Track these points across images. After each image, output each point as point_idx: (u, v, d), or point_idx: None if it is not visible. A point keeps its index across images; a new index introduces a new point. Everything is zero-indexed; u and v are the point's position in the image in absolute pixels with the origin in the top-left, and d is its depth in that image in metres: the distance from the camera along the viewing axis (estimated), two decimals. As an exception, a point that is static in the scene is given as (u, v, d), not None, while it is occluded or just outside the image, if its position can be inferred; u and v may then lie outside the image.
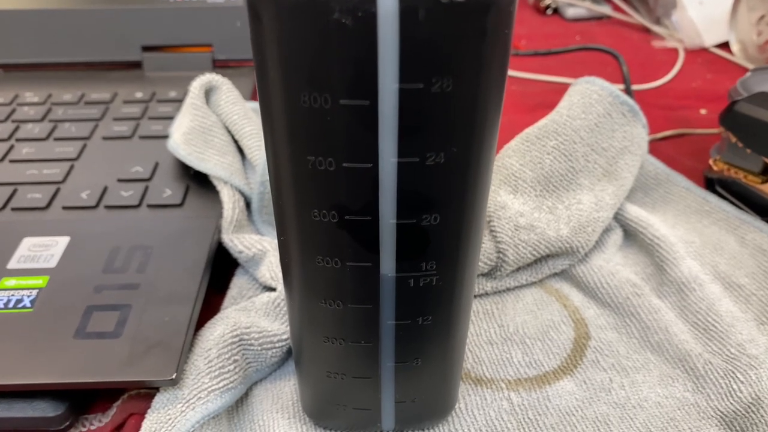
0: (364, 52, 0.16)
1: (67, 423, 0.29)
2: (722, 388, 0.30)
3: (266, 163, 0.20)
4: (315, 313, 0.23)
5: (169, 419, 0.27)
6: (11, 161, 0.41)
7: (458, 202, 0.20)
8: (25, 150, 0.42)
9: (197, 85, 0.39)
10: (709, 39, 0.65)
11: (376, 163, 0.18)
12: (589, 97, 0.38)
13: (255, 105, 0.41)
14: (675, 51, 0.65)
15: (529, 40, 0.68)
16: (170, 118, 0.45)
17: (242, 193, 0.37)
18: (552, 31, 0.71)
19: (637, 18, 0.71)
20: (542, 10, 0.75)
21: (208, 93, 0.39)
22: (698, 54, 0.65)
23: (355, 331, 0.23)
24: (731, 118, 0.39)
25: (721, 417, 0.29)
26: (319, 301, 0.23)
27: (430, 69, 0.16)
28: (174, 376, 0.27)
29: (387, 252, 0.21)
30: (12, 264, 0.33)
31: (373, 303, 0.22)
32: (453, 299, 0.23)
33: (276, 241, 0.36)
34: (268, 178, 0.36)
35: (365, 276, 0.21)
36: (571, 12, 0.73)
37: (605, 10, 0.73)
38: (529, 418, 0.29)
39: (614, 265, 0.37)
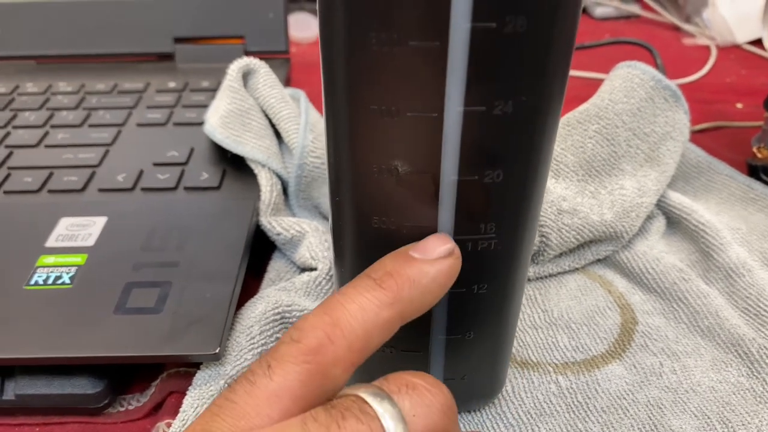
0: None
1: (106, 401, 0.28)
2: (779, 372, 0.29)
3: (324, 115, 0.19)
4: None
5: (212, 395, 0.27)
6: (47, 146, 0.41)
7: (523, 158, 0.19)
8: (60, 136, 0.42)
9: (235, 68, 0.38)
10: (742, 36, 0.64)
11: (441, 113, 0.18)
12: (630, 81, 0.38)
13: (291, 90, 0.40)
14: (706, 48, 0.65)
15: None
16: (204, 106, 0.45)
17: (279, 177, 0.37)
18: (581, 30, 0.69)
19: (667, 16, 0.70)
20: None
21: (246, 76, 0.39)
22: (730, 51, 0.64)
23: (407, 301, 0.22)
24: (777, 103, 0.38)
25: (779, 402, 0.28)
26: None
27: (504, 6, 0.16)
28: (217, 351, 0.26)
29: (446, 212, 0.20)
30: (50, 242, 0.32)
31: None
32: (510, 266, 0.22)
33: (314, 222, 0.35)
34: (305, 161, 0.36)
35: (423, 238, 0.21)
36: (599, 11, 0.73)
37: (634, 8, 0.73)
38: (578, 401, 0.28)
39: (658, 251, 0.36)
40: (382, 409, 0.17)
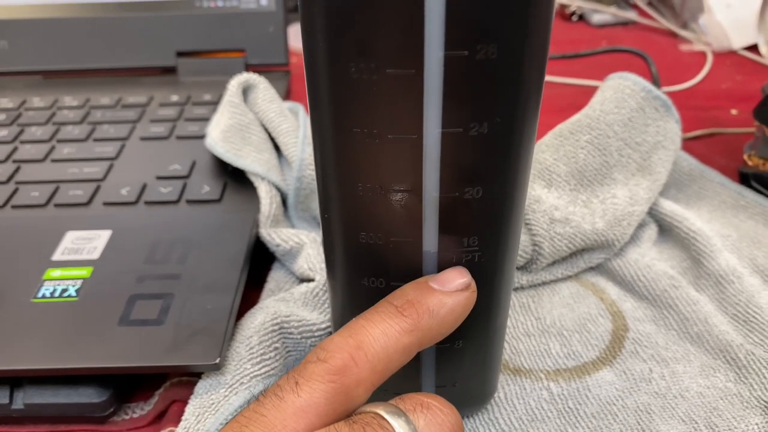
0: (411, 20, 0.17)
1: (111, 410, 0.29)
2: (765, 378, 0.29)
3: (312, 137, 0.20)
4: (357, 292, 0.24)
5: (212, 404, 0.28)
6: (53, 161, 0.42)
7: (501, 175, 0.20)
8: (66, 150, 0.43)
9: (235, 83, 0.39)
10: (738, 41, 0.65)
11: (421, 135, 0.19)
12: (621, 92, 0.39)
13: (290, 104, 0.41)
14: (703, 54, 0.65)
15: (555, 47, 0.68)
16: (206, 119, 0.46)
17: (279, 189, 0.38)
18: (578, 37, 0.71)
19: (664, 23, 0.71)
20: (568, 17, 0.75)
21: (246, 91, 0.40)
22: (727, 56, 0.65)
23: (397, 312, 0.23)
24: (766, 111, 0.38)
25: (765, 406, 0.29)
26: (361, 280, 0.23)
27: (475, 35, 0.17)
28: (218, 361, 0.27)
29: (429, 227, 0.21)
30: (56, 256, 0.33)
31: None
32: (495, 277, 0.23)
33: (312, 233, 0.36)
34: (304, 174, 0.37)
35: (408, 252, 0.22)
36: (596, 18, 0.73)
37: (631, 15, 0.73)
38: (569, 407, 0.29)
39: (650, 259, 0.37)
40: (398, 425, 0.18)
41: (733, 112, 0.54)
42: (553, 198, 0.36)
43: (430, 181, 0.20)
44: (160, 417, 0.30)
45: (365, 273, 0.23)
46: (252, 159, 0.38)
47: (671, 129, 0.39)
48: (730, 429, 0.28)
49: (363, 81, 0.18)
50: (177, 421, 0.28)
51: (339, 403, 0.19)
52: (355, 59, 0.17)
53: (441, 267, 0.22)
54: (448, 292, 0.21)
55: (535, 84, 0.19)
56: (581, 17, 0.75)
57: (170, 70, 0.55)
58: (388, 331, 0.20)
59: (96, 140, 0.44)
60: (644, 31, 0.72)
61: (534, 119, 0.20)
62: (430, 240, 0.21)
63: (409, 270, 0.22)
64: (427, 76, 0.17)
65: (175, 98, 0.49)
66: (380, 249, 0.22)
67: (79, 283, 0.32)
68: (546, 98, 0.57)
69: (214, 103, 0.48)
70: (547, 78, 0.60)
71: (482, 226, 0.21)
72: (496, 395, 0.30)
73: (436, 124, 0.18)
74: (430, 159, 0.19)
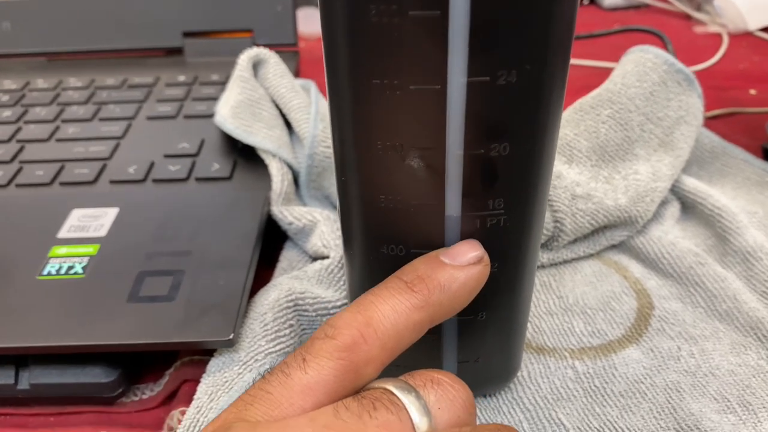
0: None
1: (120, 390, 0.28)
2: (800, 355, 0.28)
3: (328, 93, 0.19)
4: (376, 262, 0.22)
5: (226, 381, 0.27)
6: (57, 140, 0.41)
7: (529, 129, 0.19)
8: (71, 130, 0.42)
9: (245, 58, 0.38)
10: (754, 23, 0.64)
11: (444, 85, 0.17)
12: (643, 65, 0.37)
13: (302, 81, 0.40)
14: (718, 36, 0.64)
15: (567, 29, 0.67)
16: (214, 99, 0.45)
17: (290, 167, 0.37)
18: (590, 21, 0.69)
19: (677, 5, 0.70)
20: (579, 1, 0.74)
21: (256, 67, 0.39)
22: (743, 38, 0.63)
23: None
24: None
25: (801, 384, 0.28)
26: (380, 248, 0.22)
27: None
28: (231, 336, 0.26)
29: (452, 188, 0.20)
30: (62, 233, 0.32)
31: (437, 247, 0.21)
32: (521, 243, 0.22)
33: (326, 211, 0.35)
34: (316, 151, 0.36)
35: (429, 216, 0.20)
36: (608, 1, 0.72)
37: (644, -2, 0.72)
38: (595, 386, 0.28)
39: (674, 236, 0.35)
40: (408, 401, 0.17)
41: (752, 92, 0.53)
42: (574, 174, 0.35)
43: (453, 137, 0.19)
44: (170, 398, 0.29)
45: (384, 240, 0.22)
46: (263, 136, 0.36)
47: (694, 104, 0.38)
48: (764, 407, 0.27)
49: (383, 24, 0.16)
50: (188, 401, 0.27)
51: (348, 381, 0.18)
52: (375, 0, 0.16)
53: (464, 232, 0.21)
54: (460, 266, 0.20)
55: (566, 27, 0.17)
56: (593, 1, 0.74)
57: (177, 51, 0.54)
58: (398, 307, 0.19)
59: (102, 120, 0.43)
60: (657, 13, 0.71)
61: (565, 68, 0.18)
62: (453, 202, 0.20)
63: (431, 235, 0.21)
64: (452, 18, 0.16)
65: (182, 78, 0.48)
66: (400, 213, 0.20)
67: (85, 260, 0.31)
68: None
69: (222, 83, 0.47)
70: (560, 60, 0.59)
71: (508, 186, 0.20)
72: (519, 374, 0.28)
73: (462, 72, 0.17)
74: (454, 112, 0.18)
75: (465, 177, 0.19)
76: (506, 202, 0.20)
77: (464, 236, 0.21)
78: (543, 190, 0.21)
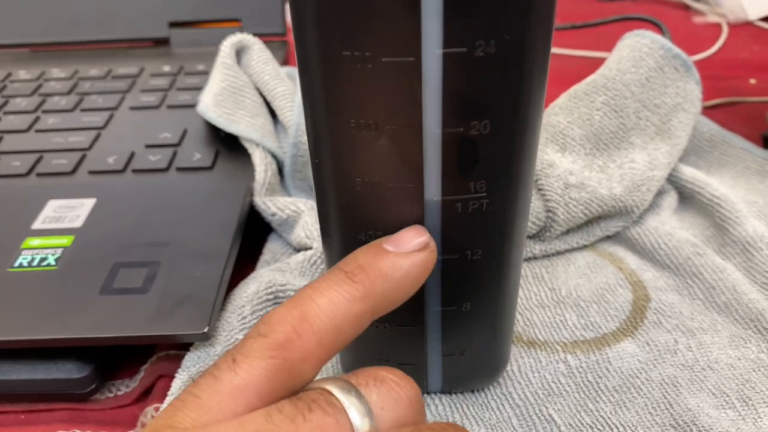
0: None
1: (93, 386, 0.27)
2: (802, 347, 0.27)
3: (298, 68, 0.18)
4: (354, 249, 0.21)
5: (201, 377, 0.25)
6: (37, 131, 0.40)
7: (510, 105, 0.18)
8: (51, 120, 0.41)
9: (228, 44, 0.37)
10: (754, 12, 0.63)
11: (419, 57, 0.16)
12: (639, 50, 0.36)
13: (288, 69, 0.39)
14: (717, 26, 0.63)
15: (562, 20, 0.66)
16: (199, 88, 0.43)
17: (274, 156, 0.36)
18: (586, 11, 0.68)
19: (676, -5, 0.68)
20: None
21: (239, 53, 0.38)
22: (742, 28, 0.62)
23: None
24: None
25: (803, 378, 0.26)
26: (357, 234, 0.21)
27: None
28: (206, 330, 0.25)
29: (431, 170, 0.19)
30: (37, 224, 0.31)
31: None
32: (505, 228, 0.21)
33: (310, 202, 0.34)
34: (301, 140, 0.34)
35: (408, 200, 0.19)
36: (606, -8, 0.71)
37: (642, -11, 0.71)
38: (588, 380, 0.27)
39: (671, 227, 0.34)
40: (348, 401, 0.16)
41: (752, 81, 0.51)
42: (568, 163, 0.34)
43: (430, 115, 0.17)
44: (145, 394, 0.28)
45: (362, 226, 0.20)
46: (246, 124, 0.35)
47: (691, 91, 0.37)
48: (764, 402, 0.26)
49: None
50: (164, 397, 0.26)
51: (282, 381, 0.17)
52: None
53: (445, 216, 0.20)
54: (404, 253, 0.19)
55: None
56: (590, -8, 0.73)
57: (163, 42, 0.53)
58: (336, 299, 0.18)
59: (83, 110, 0.42)
60: (656, 4, 0.69)
61: (547, 39, 0.17)
62: (432, 185, 0.19)
63: (410, 221, 0.20)
64: None
65: (167, 69, 0.47)
66: (377, 197, 0.19)
67: (59, 252, 0.29)
68: (553, 71, 0.54)
69: (208, 73, 0.46)
70: (555, 50, 0.58)
71: (490, 167, 0.19)
72: (509, 368, 0.27)
73: (437, 44, 0.16)
74: (430, 87, 0.17)
75: (444, 157, 0.18)
76: (488, 185, 0.19)
77: (445, 221, 0.20)
78: (527, 172, 0.20)
